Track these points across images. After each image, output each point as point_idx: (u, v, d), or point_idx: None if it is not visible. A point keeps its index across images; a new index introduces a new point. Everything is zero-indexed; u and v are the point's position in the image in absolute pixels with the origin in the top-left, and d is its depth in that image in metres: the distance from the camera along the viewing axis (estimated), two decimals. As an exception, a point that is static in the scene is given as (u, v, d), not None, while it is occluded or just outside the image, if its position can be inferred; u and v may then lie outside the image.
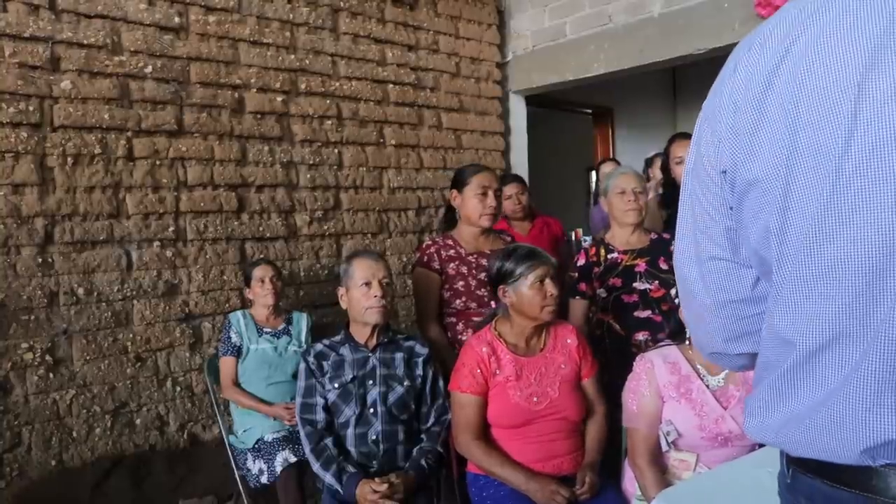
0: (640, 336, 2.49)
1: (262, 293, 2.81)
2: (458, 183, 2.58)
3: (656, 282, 2.50)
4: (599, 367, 2.22)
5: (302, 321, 2.92)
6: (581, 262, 2.63)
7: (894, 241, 0.67)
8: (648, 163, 4.43)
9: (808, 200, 0.72)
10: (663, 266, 2.51)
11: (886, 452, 0.70)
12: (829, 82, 0.70)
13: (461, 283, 2.50)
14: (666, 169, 3.08)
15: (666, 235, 2.65)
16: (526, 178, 4.39)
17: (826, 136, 0.70)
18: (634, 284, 2.52)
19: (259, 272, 2.84)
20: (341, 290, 2.26)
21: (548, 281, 2.06)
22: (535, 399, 2.05)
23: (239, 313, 2.84)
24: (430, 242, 2.61)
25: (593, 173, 6.04)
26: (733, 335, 0.91)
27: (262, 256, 3.14)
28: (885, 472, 0.71)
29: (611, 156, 5.90)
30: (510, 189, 3.56)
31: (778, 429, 0.80)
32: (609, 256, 2.58)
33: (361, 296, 2.18)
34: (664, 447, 1.93)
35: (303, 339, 2.86)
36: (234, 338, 2.77)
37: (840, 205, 0.70)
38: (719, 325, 0.91)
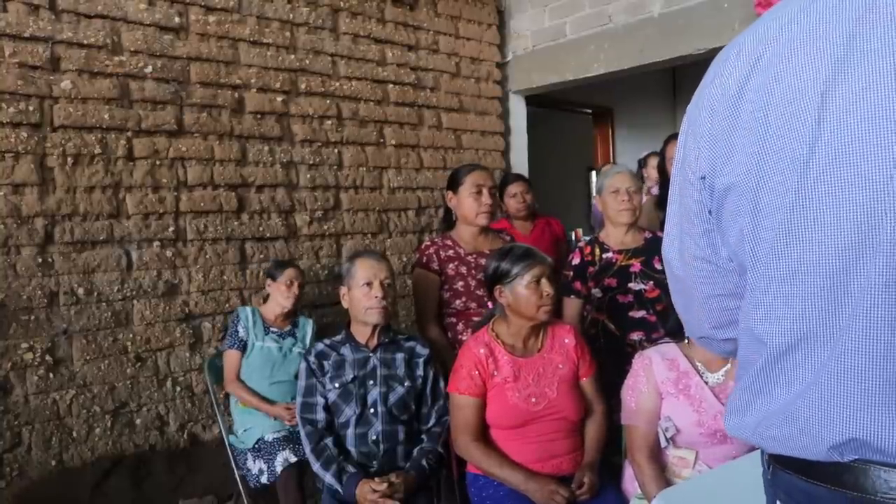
0: (635, 336, 2.49)
1: (286, 294, 2.81)
2: (453, 183, 2.58)
3: (651, 282, 2.50)
4: (597, 366, 2.22)
5: (308, 326, 2.92)
6: (576, 260, 2.62)
7: (856, 246, 0.70)
8: (642, 163, 4.44)
9: (777, 204, 0.75)
10: (658, 266, 2.51)
11: (852, 449, 0.73)
12: (795, 91, 0.74)
13: (461, 283, 2.50)
14: (662, 169, 3.08)
15: (660, 234, 2.64)
16: (526, 178, 4.39)
17: (792, 143, 0.74)
18: (629, 284, 2.52)
19: (291, 273, 2.84)
20: (343, 290, 2.26)
21: (544, 281, 2.06)
22: (533, 400, 2.05)
23: (248, 309, 2.84)
24: (429, 243, 2.61)
25: (594, 174, 6.04)
26: (719, 323, 0.95)
27: (262, 256, 3.15)
28: (854, 468, 0.73)
29: (610, 156, 5.90)
30: (514, 188, 3.56)
31: (754, 426, 0.83)
32: (604, 256, 2.58)
33: (362, 296, 2.18)
34: (663, 443, 1.93)
35: (307, 342, 2.86)
36: (242, 332, 2.77)
37: (805, 209, 0.73)
38: (705, 314, 0.95)
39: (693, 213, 0.88)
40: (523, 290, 2.05)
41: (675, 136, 3.07)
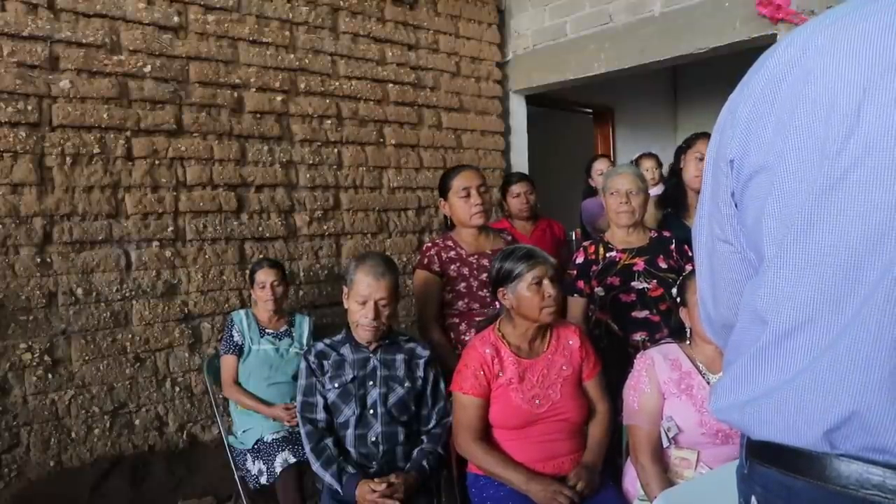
0: (638, 336, 2.47)
1: (263, 297, 2.80)
2: (443, 191, 2.59)
3: (654, 281, 2.48)
4: (602, 367, 2.21)
5: (304, 324, 2.91)
6: (580, 259, 2.61)
7: (880, 235, 0.71)
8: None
9: (803, 189, 0.76)
10: (662, 265, 2.50)
11: (845, 436, 0.73)
12: (838, 81, 0.74)
13: (463, 284, 2.49)
14: (675, 169, 3.05)
15: (666, 233, 2.63)
16: (526, 179, 4.37)
17: (826, 131, 0.74)
18: (632, 283, 2.50)
19: (261, 276, 2.81)
20: (346, 290, 2.24)
21: (546, 282, 2.04)
22: (537, 402, 2.04)
23: (242, 312, 2.83)
24: (430, 244, 2.60)
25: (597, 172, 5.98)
26: None
27: (262, 256, 3.13)
28: (838, 461, 0.74)
29: (611, 156, 5.88)
30: (518, 188, 3.55)
31: (742, 407, 0.83)
32: (608, 255, 2.56)
33: (356, 311, 2.16)
34: (665, 443, 1.92)
35: (304, 341, 2.85)
36: (237, 337, 2.76)
37: (832, 196, 0.74)
38: (728, 299, 0.95)
39: (719, 198, 0.89)
40: (525, 291, 2.03)
41: (704, 135, 3.02)
